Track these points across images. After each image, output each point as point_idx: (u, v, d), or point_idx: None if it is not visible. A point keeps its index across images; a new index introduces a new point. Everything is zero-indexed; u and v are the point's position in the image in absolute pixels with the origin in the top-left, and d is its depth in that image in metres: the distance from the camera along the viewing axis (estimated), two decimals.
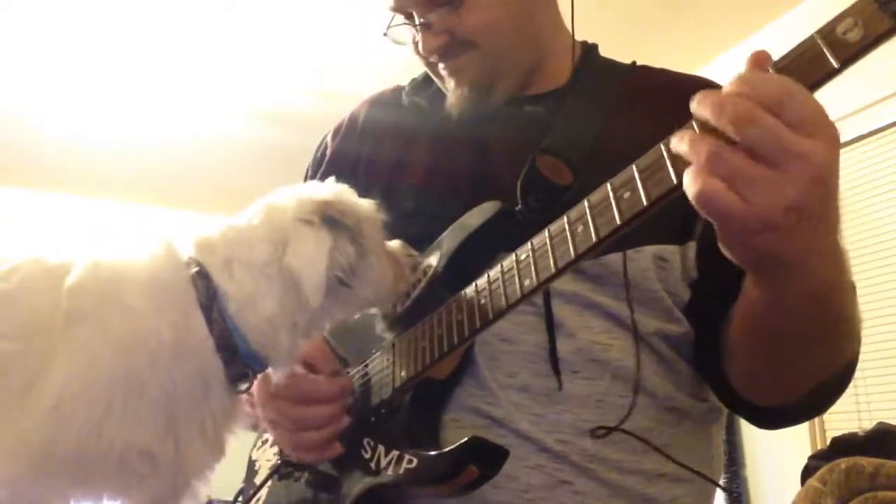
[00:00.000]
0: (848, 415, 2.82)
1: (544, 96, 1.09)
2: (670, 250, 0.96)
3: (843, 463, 1.53)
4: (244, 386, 0.84)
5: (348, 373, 1.03)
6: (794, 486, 1.82)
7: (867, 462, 1.51)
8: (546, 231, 0.75)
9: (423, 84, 1.18)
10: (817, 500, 1.50)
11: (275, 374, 0.87)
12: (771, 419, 0.98)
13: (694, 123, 0.60)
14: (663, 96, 1.02)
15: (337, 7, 3.29)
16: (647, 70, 1.13)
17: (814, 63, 0.57)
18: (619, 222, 0.66)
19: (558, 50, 1.11)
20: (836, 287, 0.69)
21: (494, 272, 0.82)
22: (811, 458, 2.11)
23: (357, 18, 3.18)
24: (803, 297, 0.68)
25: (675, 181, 0.61)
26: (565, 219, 0.73)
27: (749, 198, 0.57)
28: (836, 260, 0.67)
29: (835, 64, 0.56)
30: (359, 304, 0.92)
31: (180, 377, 0.78)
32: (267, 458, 1.10)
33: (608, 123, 1.02)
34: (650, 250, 0.95)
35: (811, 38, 0.57)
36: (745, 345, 0.87)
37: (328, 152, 1.22)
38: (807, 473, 1.91)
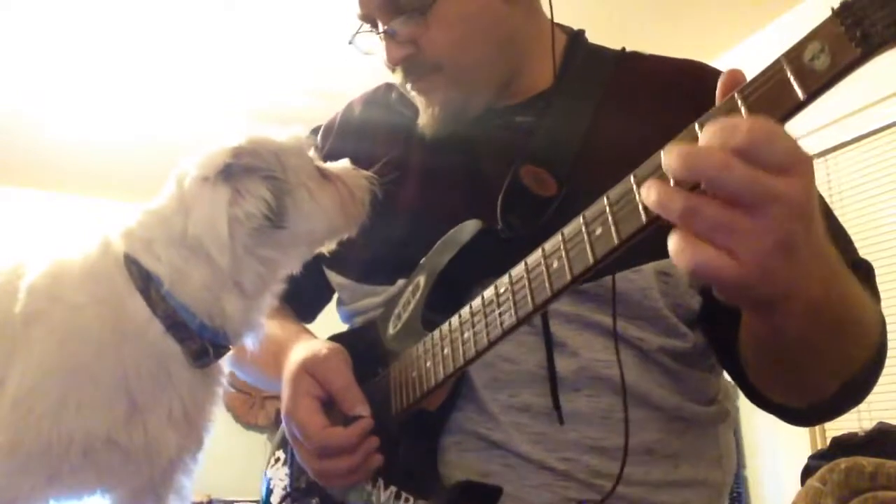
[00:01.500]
0: (848, 415, 2.80)
1: (532, 101, 1.03)
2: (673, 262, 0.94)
3: (843, 463, 1.52)
4: (206, 361, 0.82)
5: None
6: (794, 486, 1.81)
7: (867, 462, 1.51)
8: (524, 263, 0.72)
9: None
10: (817, 500, 1.49)
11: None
12: (805, 417, 0.96)
13: (663, 160, 0.57)
14: (657, 85, 0.99)
15: (337, 7, 3.29)
16: (637, 57, 1.07)
17: (780, 93, 0.53)
18: (591, 261, 0.63)
19: (542, 50, 1.03)
20: (828, 297, 0.66)
21: (476, 304, 0.79)
22: (811, 458, 2.11)
23: (357, 19, 3.18)
24: (795, 317, 0.65)
25: (644, 220, 0.58)
26: (541, 252, 0.70)
27: (735, 249, 0.54)
28: (822, 272, 0.63)
29: (801, 96, 0.51)
30: (308, 240, 0.88)
31: (131, 361, 0.78)
32: (280, 477, 1.08)
33: (597, 123, 0.96)
34: (651, 267, 0.91)
35: (778, 61, 0.53)
36: (754, 359, 0.86)
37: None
38: (807, 473, 1.90)
